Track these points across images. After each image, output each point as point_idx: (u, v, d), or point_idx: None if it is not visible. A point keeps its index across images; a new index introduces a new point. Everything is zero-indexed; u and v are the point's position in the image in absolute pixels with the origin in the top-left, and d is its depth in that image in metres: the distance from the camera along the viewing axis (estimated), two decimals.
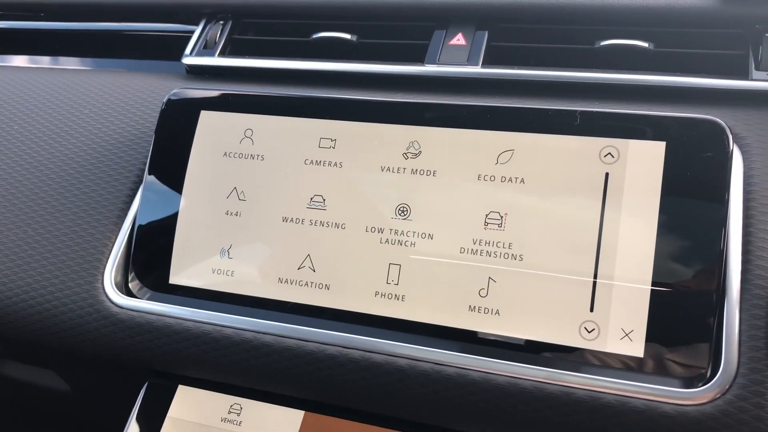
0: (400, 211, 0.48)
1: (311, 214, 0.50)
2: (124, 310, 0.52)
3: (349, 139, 0.50)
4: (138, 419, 0.54)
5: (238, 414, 0.51)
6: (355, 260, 0.48)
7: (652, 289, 0.42)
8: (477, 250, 0.46)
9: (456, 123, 0.48)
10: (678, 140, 0.44)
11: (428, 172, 0.48)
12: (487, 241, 0.46)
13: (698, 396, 0.40)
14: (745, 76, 0.50)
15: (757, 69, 0.50)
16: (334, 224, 0.49)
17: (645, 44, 0.53)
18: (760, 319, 0.41)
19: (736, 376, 0.40)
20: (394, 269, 0.47)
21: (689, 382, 0.41)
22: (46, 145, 0.61)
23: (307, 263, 0.49)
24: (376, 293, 0.47)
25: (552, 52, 0.56)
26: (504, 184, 0.46)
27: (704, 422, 0.39)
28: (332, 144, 0.50)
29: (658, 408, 0.40)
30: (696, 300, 0.42)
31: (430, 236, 0.47)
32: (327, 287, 0.48)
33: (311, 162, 0.51)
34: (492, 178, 0.46)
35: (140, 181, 0.56)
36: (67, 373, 0.71)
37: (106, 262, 0.54)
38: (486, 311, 0.45)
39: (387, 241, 0.47)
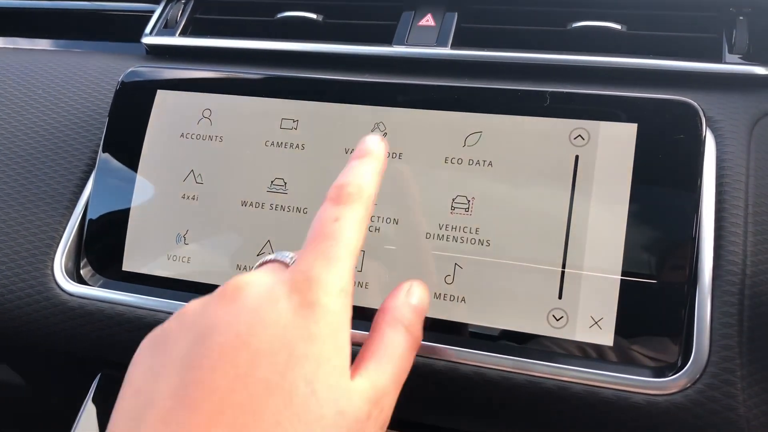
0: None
1: (272, 197, 0.48)
2: (75, 298, 0.50)
3: (311, 120, 0.48)
4: (90, 410, 0.52)
5: None
6: None
7: (622, 277, 0.41)
8: (443, 236, 0.44)
9: (423, 104, 0.47)
10: (650, 122, 0.42)
11: (394, 155, 0.46)
12: (454, 227, 0.44)
13: (668, 385, 0.39)
14: (719, 59, 0.49)
15: (730, 52, 0.49)
16: (295, 209, 0.47)
17: (618, 26, 0.52)
18: (732, 306, 0.39)
19: (706, 366, 0.39)
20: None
21: (659, 372, 0.39)
22: None
23: (267, 249, 0.47)
24: None
25: (523, 34, 0.54)
26: (471, 167, 0.45)
27: (674, 412, 0.38)
28: (294, 125, 0.48)
29: (628, 398, 0.39)
30: (667, 288, 0.40)
31: (395, 221, 0.45)
32: None
33: (272, 144, 0.48)
34: (459, 161, 0.45)
35: (93, 165, 0.54)
36: (20, 365, 0.68)
37: (57, 248, 0.52)
38: (452, 299, 0.43)
39: None
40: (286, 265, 0.35)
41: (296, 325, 0.31)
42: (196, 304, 0.34)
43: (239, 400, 0.29)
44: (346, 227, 0.34)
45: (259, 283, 0.33)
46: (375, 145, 0.38)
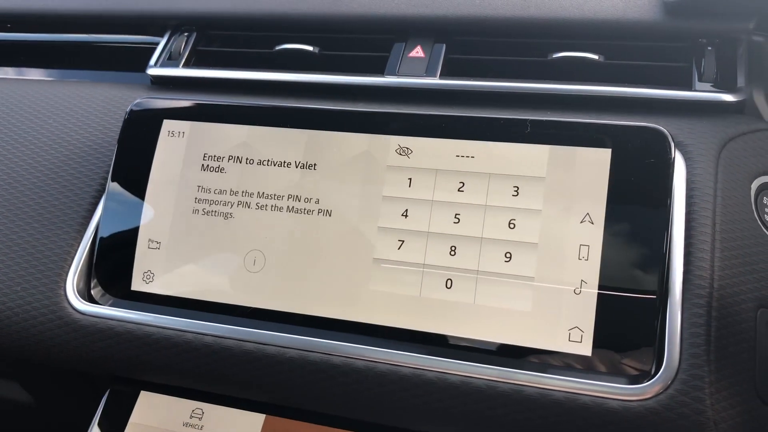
0: (376, 216, 0.49)
1: (277, 217, 0.51)
2: (86, 317, 0.53)
3: (318, 145, 0.52)
4: (100, 426, 0.54)
5: (200, 418, 0.52)
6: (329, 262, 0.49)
7: (599, 292, 0.44)
8: (437, 258, 0.47)
9: (415, 132, 0.50)
10: (623, 147, 0.46)
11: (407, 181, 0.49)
12: (450, 247, 0.47)
13: (642, 392, 0.42)
14: (689, 87, 0.53)
15: (700, 80, 0.53)
16: (309, 219, 0.50)
17: (595, 56, 0.55)
18: (700, 317, 0.42)
19: (677, 373, 0.42)
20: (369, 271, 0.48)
21: (634, 379, 0.42)
22: (9, 155, 0.61)
23: (266, 265, 0.50)
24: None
25: (507, 64, 0.58)
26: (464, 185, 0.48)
27: (648, 416, 0.41)
28: (302, 150, 0.52)
29: (605, 404, 0.42)
30: (641, 301, 0.43)
31: (401, 241, 0.48)
32: (286, 293, 0.49)
33: (281, 164, 0.52)
34: (462, 185, 0.48)
35: (103, 190, 0.57)
36: (30, 383, 0.70)
37: (69, 269, 0.55)
38: (441, 315, 0.46)
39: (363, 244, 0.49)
40: None
41: None
42: None
43: None
44: None
45: None
46: None
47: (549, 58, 0.56)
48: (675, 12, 0.55)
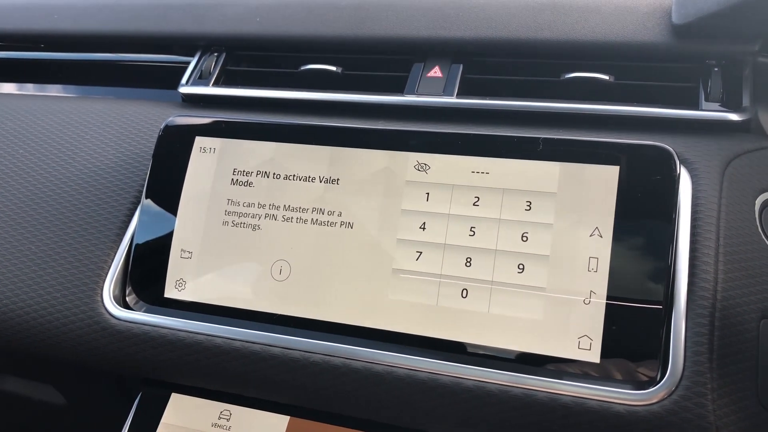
0: (395, 228, 0.52)
1: (305, 230, 0.54)
2: (122, 322, 0.56)
3: (342, 161, 0.55)
4: (133, 426, 0.57)
5: (228, 419, 0.55)
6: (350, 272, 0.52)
7: (607, 302, 0.46)
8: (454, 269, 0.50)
9: (432, 149, 0.53)
10: (630, 164, 0.48)
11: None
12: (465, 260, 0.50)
13: (647, 397, 0.44)
14: (696, 106, 0.55)
15: (706, 100, 0.55)
16: (336, 228, 0.53)
17: (606, 77, 0.58)
18: (704, 327, 0.45)
19: (681, 380, 0.44)
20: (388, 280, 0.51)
21: (640, 385, 0.45)
22: (49, 168, 0.65)
23: (292, 273, 0.53)
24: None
25: (521, 84, 0.60)
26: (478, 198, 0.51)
27: (652, 420, 0.43)
28: (327, 166, 0.55)
29: (611, 408, 0.44)
30: (647, 311, 0.46)
31: (419, 253, 0.51)
32: (310, 301, 0.52)
33: (309, 179, 0.55)
34: (476, 197, 0.51)
35: (138, 202, 0.60)
36: (64, 386, 0.74)
37: (105, 277, 0.58)
38: (456, 323, 0.49)
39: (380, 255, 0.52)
40: None
41: None
42: None
43: None
44: None
45: None
46: None
47: (561, 78, 0.59)
48: (683, 34, 0.57)
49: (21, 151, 0.67)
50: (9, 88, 0.83)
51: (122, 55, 0.79)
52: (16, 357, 0.65)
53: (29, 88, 0.82)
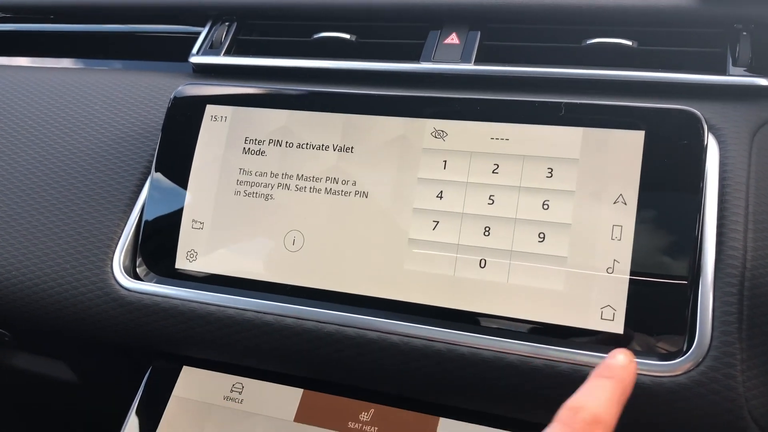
0: (411, 197, 0.51)
1: (318, 200, 0.52)
2: (132, 293, 0.55)
3: (355, 129, 0.53)
4: (143, 399, 0.56)
5: (240, 392, 0.54)
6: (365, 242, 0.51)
7: (631, 271, 0.45)
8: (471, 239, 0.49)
9: (450, 115, 0.51)
10: (656, 130, 0.46)
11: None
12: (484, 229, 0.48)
13: (674, 368, 0.43)
14: (723, 71, 0.53)
15: (734, 65, 0.53)
16: (349, 197, 0.52)
17: (629, 42, 0.56)
18: (733, 296, 0.43)
19: (708, 351, 0.42)
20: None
21: (665, 356, 0.43)
22: (58, 139, 0.64)
23: (305, 242, 0.52)
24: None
25: (541, 51, 0.59)
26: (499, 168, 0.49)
27: (679, 392, 0.42)
28: (340, 133, 0.53)
29: (637, 380, 0.43)
30: (672, 280, 0.44)
31: (435, 222, 0.49)
32: (324, 271, 0.51)
33: (321, 147, 0.53)
34: (496, 167, 0.49)
35: (148, 172, 0.59)
36: (75, 362, 0.73)
37: (115, 248, 0.57)
38: (474, 294, 0.48)
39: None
40: None
41: None
42: None
43: None
44: None
45: None
46: (624, 364, 0.35)
47: (582, 44, 0.57)
48: None
49: (31, 123, 0.66)
50: (19, 60, 0.82)
51: (133, 26, 0.77)
52: (25, 330, 0.64)
53: (39, 61, 0.81)
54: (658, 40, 0.56)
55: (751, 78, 0.52)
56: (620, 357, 0.36)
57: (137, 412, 0.57)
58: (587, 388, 0.34)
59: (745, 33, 0.54)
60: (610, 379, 0.34)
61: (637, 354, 0.44)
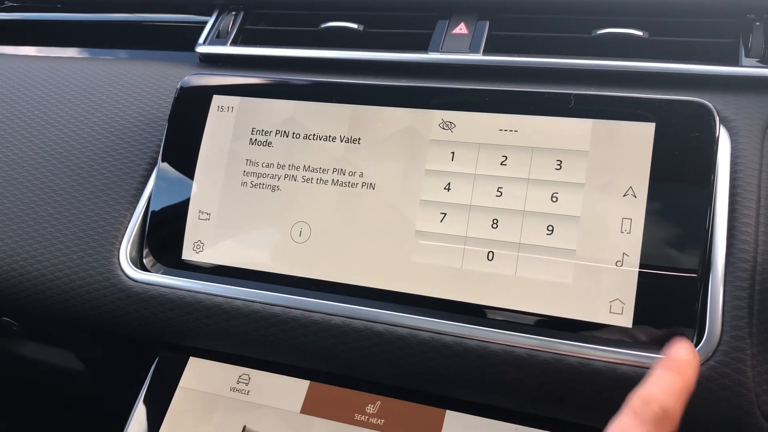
0: (418, 189, 0.50)
1: (325, 191, 0.52)
2: (139, 284, 0.55)
3: (364, 119, 0.53)
4: (150, 390, 0.56)
5: (247, 384, 0.54)
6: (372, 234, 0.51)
7: (640, 265, 0.44)
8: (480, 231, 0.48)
9: (458, 106, 0.51)
10: (667, 121, 0.46)
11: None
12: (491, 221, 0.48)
13: None
14: (736, 62, 0.52)
15: (746, 56, 0.52)
16: (357, 189, 0.52)
17: (640, 33, 0.55)
18: (743, 290, 0.43)
19: (718, 345, 0.42)
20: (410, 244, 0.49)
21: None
22: (65, 129, 0.64)
23: (312, 235, 0.52)
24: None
25: (550, 41, 0.58)
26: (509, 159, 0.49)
27: None
28: (348, 124, 0.53)
29: (645, 374, 0.42)
30: (682, 274, 0.44)
31: (443, 214, 0.49)
32: (331, 263, 0.51)
33: (328, 138, 0.53)
34: (504, 158, 0.49)
35: (155, 163, 0.59)
36: (82, 351, 0.73)
37: (122, 239, 0.57)
38: (482, 287, 0.47)
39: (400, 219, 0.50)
40: None
41: None
42: None
43: None
44: None
45: None
46: (690, 358, 0.36)
47: (593, 34, 0.56)
48: None
49: (37, 113, 0.66)
50: (25, 50, 0.82)
51: (139, 15, 0.77)
52: (32, 320, 0.64)
53: (45, 50, 0.81)
54: (670, 31, 0.56)
55: (764, 69, 0.51)
56: (686, 352, 0.37)
57: (144, 403, 0.57)
58: (657, 379, 0.35)
59: (758, 23, 0.53)
60: (677, 374, 0.35)
61: (646, 348, 0.43)
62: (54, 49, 0.80)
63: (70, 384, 0.81)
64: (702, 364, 0.42)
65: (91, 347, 0.71)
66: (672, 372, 0.35)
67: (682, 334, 0.43)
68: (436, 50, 0.59)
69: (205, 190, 0.55)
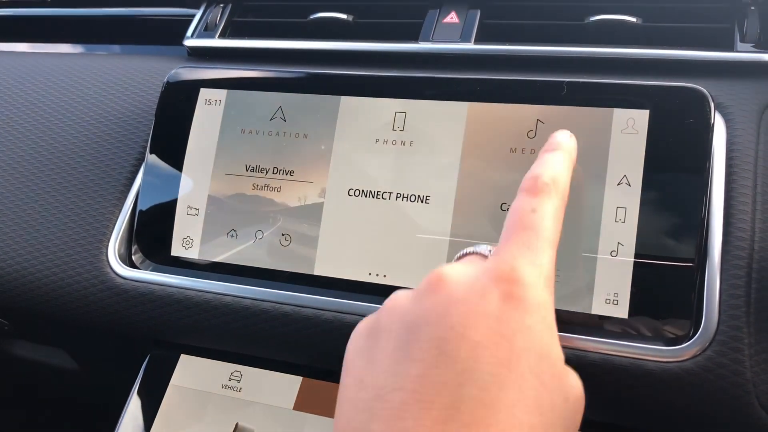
0: (396, 185, 0.49)
1: (306, 187, 0.51)
2: (128, 281, 0.54)
3: (347, 112, 0.52)
4: (141, 388, 0.56)
5: (239, 381, 0.53)
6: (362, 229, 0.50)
7: (635, 255, 0.44)
8: (462, 227, 0.47)
9: (444, 96, 0.50)
10: (661, 108, 0.45)
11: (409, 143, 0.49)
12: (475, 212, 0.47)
13: (680, 353, 0.41)
14: (731, 48, 0.51)
15: (742, 41, 0.51)
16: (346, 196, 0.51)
17: (633, 19, 0.55)
18: (740, 279, 0.42)
19: (715, 335, 0.41)
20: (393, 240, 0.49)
21: (671, 341, 0.42)
22: (51, 125, 0.63)
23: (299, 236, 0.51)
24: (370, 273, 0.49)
25: (543, 29, 0.57)
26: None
27: (685, 377, 0.41)
28: (330, 115, 0.52)
29: (642, 365, 0.42)
30: (678, 264, 0.43)
31: (424, 199, 0.48)
32: (320, 258, 0.50)
33: (311, 130, 0.52)
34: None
35: (142, 158, 0.58)
36: (75, 350, 0.73)
37: (110, 236, 0.56)
38: None
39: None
40: (485, 257, 0.35)
41: (510, 318, 0.31)
42: (402, 295, 0.35)
43: (472, 394, 0.29)
44: (545, 217, 0.35)
45: (463, 273, 0.33)
46: (565, 139, 0.40)
47: (585, 21, 0.56)
48: None
49: (23, 109, 0.65)
50: (11, 45, 0.80)
51: (127, 9, 0.76)
52: (23, 319, 0.64)
53: (31, 46, 0.80)
54: (664, 16, 0.55)
55: (760, 54, 0.50)
56: (560, 132, 0.42)
57: (135, 402, 0.56)
58: (540, 161, 0.39)
59: (753, 8, 0.52)
60: (557, 151, 0.39)
61: (642, 339, 0.42)
62: (40, 44, 0.79)
63: (63, 382, 0.81)
64: (699, 355, 0.41)
65: (82, 346, 0.71)
66: (553, 151, 0.39)
67: (678, 324, 0.42)
68: (427, 40, 0.58)
69: (194, 186, 0.54)
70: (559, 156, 0.39)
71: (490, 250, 0.36)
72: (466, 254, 0.37)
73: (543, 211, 0.35)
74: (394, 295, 0.36)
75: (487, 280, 0.33)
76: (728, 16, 0.53)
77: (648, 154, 0.44)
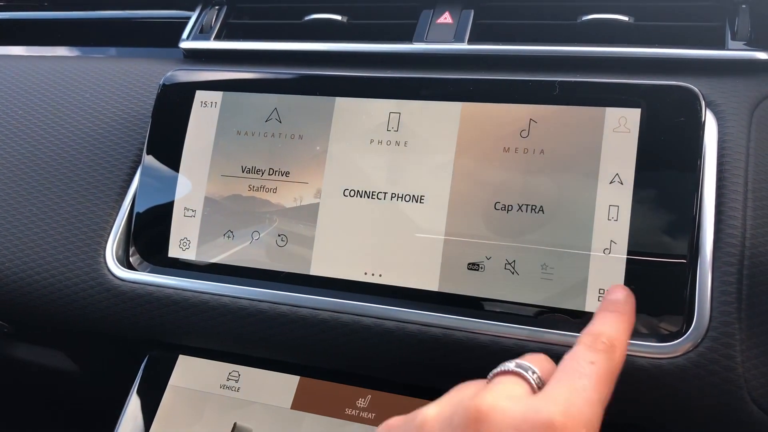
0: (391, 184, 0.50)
1: (303, 189, 0.52)
2: (126, 283, 0.54)
3: (340, 114, 0.52)
4: (140, 389, 0.56)
5: (237, 381, 0.53)
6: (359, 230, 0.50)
7: (628, 251, 0.44)
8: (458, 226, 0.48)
9: (440, 96, 0.50)
10: (652, 107, 0.45)
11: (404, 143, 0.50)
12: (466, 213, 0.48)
13: (672, 350, 0.42)
14: (722, 46, 0.52)
15: (733, 39, 0.52)
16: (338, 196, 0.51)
17: (625, 18, 0.55)
18: (731, 275, 0.42)
19: (707, 332, 0.42)
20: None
21: (664, 337, 0.42)
22: (48, 128, 0.63)
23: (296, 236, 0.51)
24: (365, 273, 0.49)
25: (536, 28, 0.57)
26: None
27: (678, 374, 0.41)
28: (325, 117, 0.52)
29: (635, 362, 0.42)
30: (670, 261, 0.43)
31: (418, 199, 0.49)
32: (316, 258, 0.50)
33: (307, 131, 0.53)
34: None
35: (139, 161, 0.58)
36: (74, 351, 0.73)
37: (108, 238, 0.56)
38: (469, 278, 0.47)
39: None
40: (528, 383, 0.35)
41: None
42: (437, 421, 0.34)
43: None
44: (601, 373, 0.34)
45: (507, 412, 0.32)
46: (624, 302, 0.40)
47: (578, 20, 0.56)
48: None
49: (20, 112, 0.65)
50: (7, 49, 0.81)
51: (123, 12, 0.76)
52: (21, 321, 0.64)
53: (27, 49, 0.80)
54: (655, 15, 0.55)
55: (751, 52, 0.50)
56: (621, 293, 0.41)
57: (134, 402, 0.56)
58: (600, 319, 0.38)
59: (744, 6, 0.53)
60: (617, 313, 0.39)
61: (635, 336, 0.43)
62: (36, 48, 0.79)
63: (63, 384, 0.81)
64: (691, 351, 0.42)
65: (81, 347, 0.71)
66: (613, 312, 0.39)
67: (671, 321, 0.43)
68: (421, 40, 0.58)
69: (190, 187, 0.55)
70: (621, 322, 0.38)
71: (536, 377, 0.35)
72: (509, 372, 0.36)
73: (600, 366, 0.35)
74: (423, 417, 0.35)
75: (532, 424, 0.31)
76: (719, 14, 0.54)
77: (640, 153, 0.45)
